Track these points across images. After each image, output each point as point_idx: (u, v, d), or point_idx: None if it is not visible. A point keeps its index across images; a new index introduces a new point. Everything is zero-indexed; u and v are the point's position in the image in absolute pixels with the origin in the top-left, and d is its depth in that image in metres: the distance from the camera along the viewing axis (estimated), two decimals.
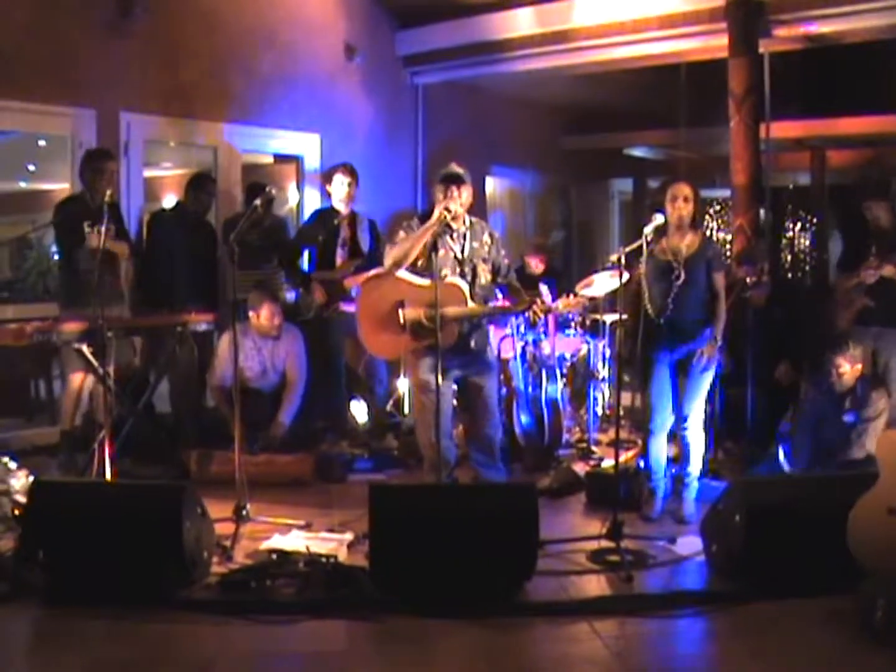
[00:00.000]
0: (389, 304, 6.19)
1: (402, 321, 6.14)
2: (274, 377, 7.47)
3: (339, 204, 7.70)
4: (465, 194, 6.10)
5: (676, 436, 6.22)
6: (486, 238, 6.26)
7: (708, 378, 6.03)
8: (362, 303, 6.40)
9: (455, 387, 6.58)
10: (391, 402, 8.48)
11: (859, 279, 6.78)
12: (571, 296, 6.28)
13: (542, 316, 6.11)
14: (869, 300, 6.83)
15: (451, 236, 6.14)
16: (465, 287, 6.05)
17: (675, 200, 5.92)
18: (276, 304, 7.33)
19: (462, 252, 6.16)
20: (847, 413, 6.38)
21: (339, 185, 7.68)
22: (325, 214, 7.85)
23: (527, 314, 6.13)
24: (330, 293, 7.58)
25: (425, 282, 6.05)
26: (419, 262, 6.13)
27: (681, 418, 6.05)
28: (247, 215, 6.12)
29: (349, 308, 7.53)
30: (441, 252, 6.01)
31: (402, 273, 6.11)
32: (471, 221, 6.27)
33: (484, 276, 6.20)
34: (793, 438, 6.66)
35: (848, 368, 6.33)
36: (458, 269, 6.12)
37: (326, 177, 7.84)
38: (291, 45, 9.40)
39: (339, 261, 7.69)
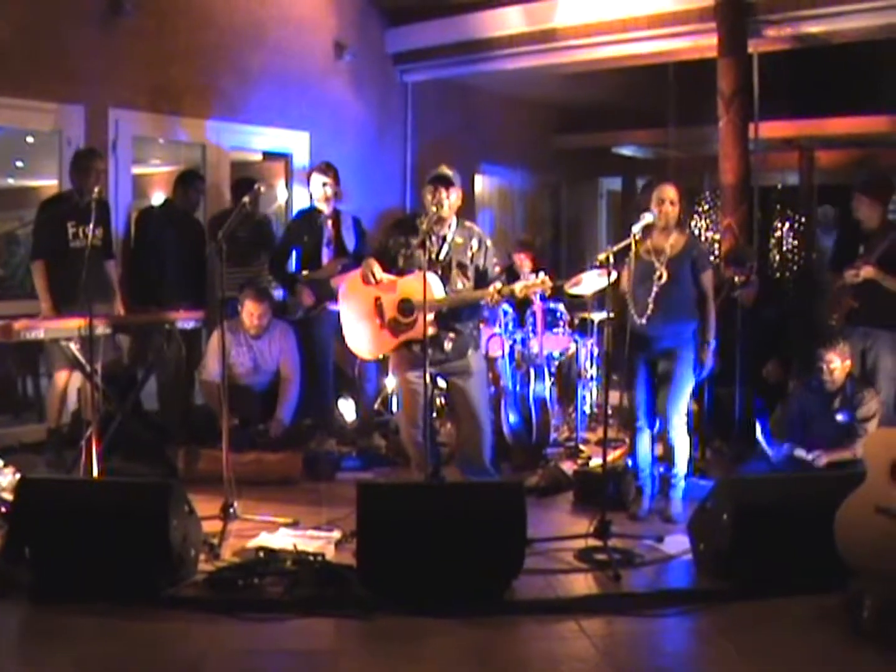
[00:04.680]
0: (368, 303, 6.22)
1: (379, 318, 6.17)
2: (265, 374, 7.46)
3: (320, 204, 7.66)
4: (452, 196, 6.05)
5: (663, 435, 6.22)
6: (472, 243, 6.16)
7: (690, 377, 6.04)
8: (345, 306, 6.42)
9: (444, 385, 6.54)
10: (378, 401, 8.49)
11: (843, 280, 6.81)
12: (533, 276, 5.97)
13: (500, 299, 5.97)
14: (854, 301, 6.85)
15: (431, 238, 6.12)
16: (434, 280, 5.98)
17: (661, 203, 5.94)
18: (261, 303, 7.30)
19: (437, 255, 6.13)
20: (838, 412, 6.38)
21: (317, 186, 7.63)
22: (310, 215, 7.80)
23: (487, 300, 6.04)
24: (317, 293, 7.55)
25: (394, 277, 6.13)
26: (400, 262, 6.15)
27: (664, 418, 6.06)
28: (235, 212, 6.12)
29: (334, 307, 7.52)
30: (419, 252, 6.01)
31: (376, 271, 6.11)
32: (461, 225, 6.22)
33: (460, 282, 6.10)
34: (769, 435, 6.69)
35: (838, 364, 6.33)
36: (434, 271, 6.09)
37: (307, 177, 7.82)
38: (281, 43, 9.38)
39: (325, 260, 7.65)
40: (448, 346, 6.13)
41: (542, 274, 5.92)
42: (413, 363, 6.02)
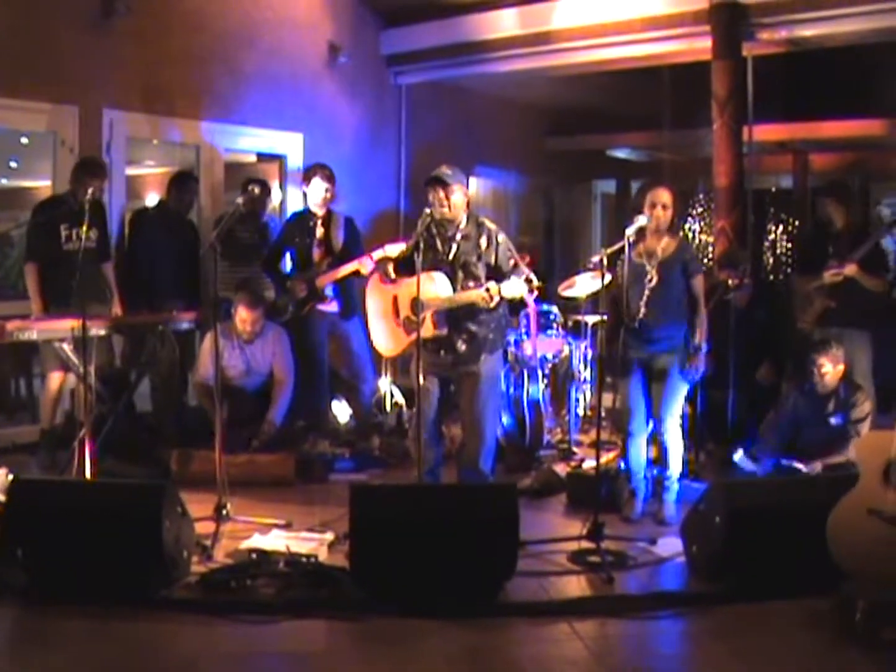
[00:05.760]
0: (388, 301, 6.30)
1: (396, 316, 6.20)
2: (258, 376, 7.44)
3: (316, 207, 7.65)
4: (454, 195, 5.99)
5: (656, 438, 6.23)
6: (482, 241, 6.06)
7: (684, 381, 6.04)
8: (368, 303, 6.51)
9: (451, 388, 6.51)
10: (373, 402, 8.47)
11: (821, 281, 6.86)
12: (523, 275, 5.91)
13: (491, 300, 5.85)
14: (830, 301, 6.90)
15: (439, 239, 6.12)
16: (440, 280, 5.97)
17: (654, 207, 5.93)
18: (254, 310, 7.26)
19: (445, 254, 6.12)
20: (833, 415, 6.40)
21: (318, 190, 7.59)
22: (302, 217, 7.79)
23: (479, 301, 5.90)
24: (305, 293, 7.54)
25: (409, 279, 6.12)
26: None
27: (658, 421, 6.06)
28: (229, 213, 6.13)
29: (325, 308, 7.51)
30: (430, 254, 5.99)
31: (390, 270, 6.14)
32: (472, 222, 6.14)
33: (472, 281, 6.02)
34: (760, 437, 6.70)
35: (830, 368, 6.35)
36: (444, 271, 6.07)
37: (305, 177, 7.78)
38: (275, 44, 9.38)
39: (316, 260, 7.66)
40: (462, 347, 6.08)
41: (530, 273, 5.89)
42: (427, 363, 5.97)
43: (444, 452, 6.88)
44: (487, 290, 5.78)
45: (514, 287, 5.81)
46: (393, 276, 6.17)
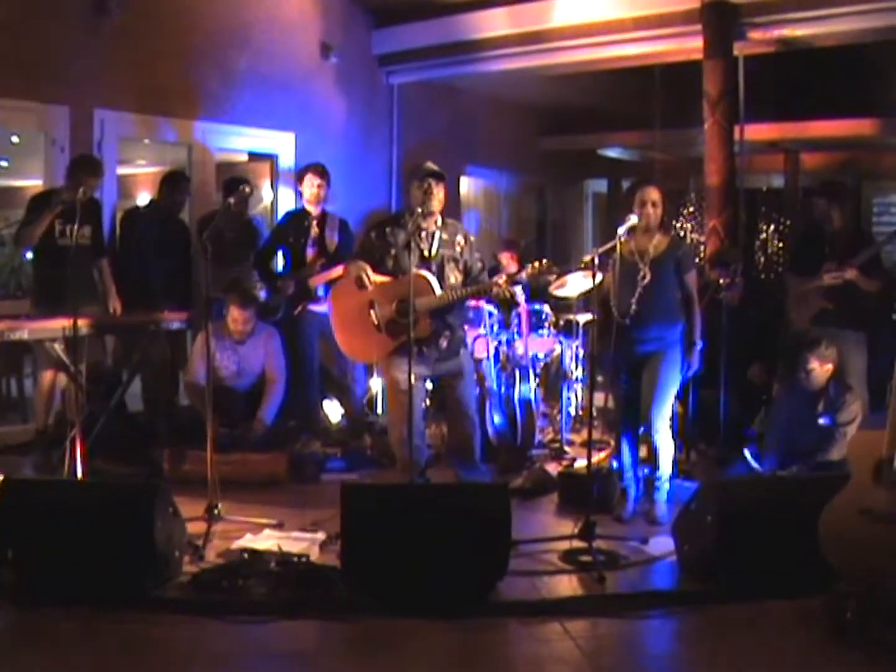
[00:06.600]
0: (361, 307, 6.20)
1: (375, 321, 6.15)
2: (250, 376, 7.44)
3: (310, 205, 7.67)
4: (441, 192, 6.08)
5: (646, 438, 6.23)
6: (458, 239, 6.20)
7: (675, 379, 6.03)
8: (335, 311, 6.43)
9: (430, 386, 6.53)
10: (364, 402, 8.47)
11: (819, 282, 6.87)
12: (537, 263, 5.92)
13: (508, 291, 5.96)
14: (827, 303, 6.92)
15: (420, 235, 6.13)
16: (432, 277, 6.01)
17: (643, 206, 5.94)
18: (246, 309, 7.27)
19: (429, 251, 6.13)
20: (821, 415, 6.40)
21: (309, 187, 7.64)
22: (297, 216, 7.82)
23: (494, 292, 6.01)
24: (297, 293, 7.54)
25: (387, 279, 6.11)
26: (389, 263, 6.12)
27: (648, 420, 6.05)
28: (220, 212, 6.12)
29: (317, 308, 7.50)
30: (405, 251, 5.98)
31: (370, 274, 6.10)
32: (444, 222, 6.23)
33: (453, 276, 6.13)
34: (763, 438, 6.69)
35: (817, 366, 6.35)
36: (424, 268, 6.09)
37: (298, 176, 7.81)
38: (267, 44, 9.37)
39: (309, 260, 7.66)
40: (443, 344, 6.14)
41: (544, 261, 5.92)
42: (403, 362, 5.95)
43: (434, 453, 6.91)
44: (508, 281, 5.88)
45: (533, 272, 5.87)
46: (373, 279, 6.09)
